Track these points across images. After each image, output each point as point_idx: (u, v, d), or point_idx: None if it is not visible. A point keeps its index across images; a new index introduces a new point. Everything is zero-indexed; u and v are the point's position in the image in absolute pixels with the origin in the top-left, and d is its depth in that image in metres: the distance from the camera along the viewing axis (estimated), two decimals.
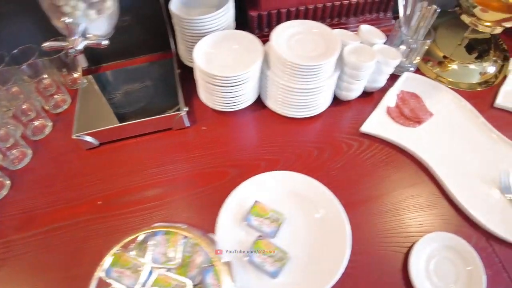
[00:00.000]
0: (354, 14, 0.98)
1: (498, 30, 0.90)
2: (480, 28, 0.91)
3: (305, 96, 0.79)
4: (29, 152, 0.81)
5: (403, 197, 0.75)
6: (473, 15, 0.90)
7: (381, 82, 0.88)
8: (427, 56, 1.02)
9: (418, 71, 1.00)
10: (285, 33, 0.79)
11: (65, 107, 0.90)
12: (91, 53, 0.91)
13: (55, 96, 0.89)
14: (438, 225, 0.72)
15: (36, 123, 0.85)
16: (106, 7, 0.67)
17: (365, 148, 0.81)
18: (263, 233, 0.66)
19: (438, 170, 0.77)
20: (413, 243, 0.67)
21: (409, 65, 0.95)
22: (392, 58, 0.82)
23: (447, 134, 0.85)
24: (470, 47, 1.06)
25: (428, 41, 0.89)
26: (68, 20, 0.64)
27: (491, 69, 1.04)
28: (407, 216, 0.72)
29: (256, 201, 0.69)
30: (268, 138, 0.83)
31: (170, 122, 0.81)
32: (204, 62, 0.76)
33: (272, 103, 0.84)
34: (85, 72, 0.93)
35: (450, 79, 0.99)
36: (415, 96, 0.90)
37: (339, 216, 0.68)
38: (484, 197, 0.75)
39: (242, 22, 0.91)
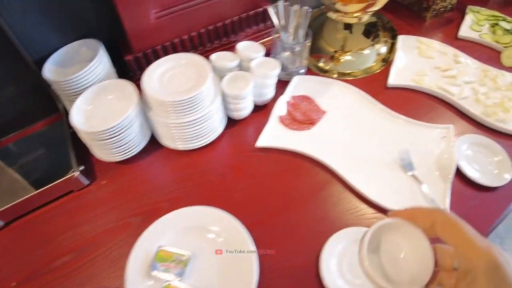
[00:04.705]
0: (233, 32, 0.98)
1: (366, 17, 0.94)
2: (347, 20, 0.94)
3: (195, 127, 0.78)
4: None
5: (309, 202, 0.76)
6: (337, 11, 0.92)
7: (269, 94, 0.89)
8: (319, 54, 1.05)
9: (310, 71, 1.02)
10: (157, 72, 0.79)
11: None
12: None
13: None
14: (352, 220, 0.73)
15: None
16: None
17: (264, 162, 0.82)
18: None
19: (338, 168, 0.78)
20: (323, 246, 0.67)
21: (298, 69, 0.97)
22: (271, 69, 0.84)
23: (343, 127, 0.87)
24: (367, 32, 1.08)
25: (307, 42, 0.91)
26: None
27: (383, 49, 1.08)
28: (316, 220, 0.73)
29: (159, 247, 0.68)
30: (170, 176, 0.82)
31: (69, 184, 0.79)
32: (83, 121, 0.75)
33: (166, 141, 0.84)
34: None
35: (348, 71, 1.02)
36: (306, 98, 0.91)
37: (244, 240, 0.68)
38: (389, 181, 0.78)
39: (124, 68, 0.90)
